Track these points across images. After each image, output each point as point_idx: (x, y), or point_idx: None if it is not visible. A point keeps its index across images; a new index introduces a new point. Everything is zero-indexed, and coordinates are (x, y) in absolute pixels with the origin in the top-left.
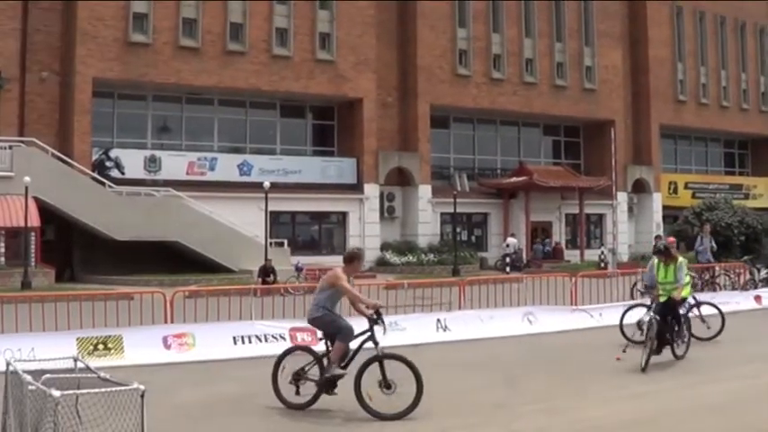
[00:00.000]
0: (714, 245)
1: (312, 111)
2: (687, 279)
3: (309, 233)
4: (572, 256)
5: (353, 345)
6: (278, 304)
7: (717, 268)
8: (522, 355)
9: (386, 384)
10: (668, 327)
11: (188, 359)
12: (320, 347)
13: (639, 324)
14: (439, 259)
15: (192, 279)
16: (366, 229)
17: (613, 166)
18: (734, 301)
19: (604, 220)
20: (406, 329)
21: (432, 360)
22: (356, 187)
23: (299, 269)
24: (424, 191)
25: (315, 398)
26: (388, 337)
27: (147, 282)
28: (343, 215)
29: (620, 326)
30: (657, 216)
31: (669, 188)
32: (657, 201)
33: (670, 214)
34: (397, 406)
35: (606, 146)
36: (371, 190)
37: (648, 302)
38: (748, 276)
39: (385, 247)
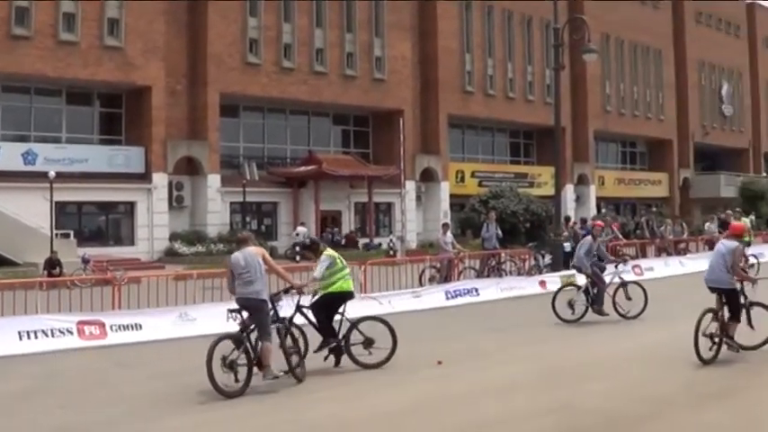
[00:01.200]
0: (500, 232)
1: (99, 98)
2: (343, 272)
3: (96, 224)
4: (361, 244)
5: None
6: (64, 297)
7: (503, 254)
8: (315, 342)
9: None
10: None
11: None
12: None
13: (570, 303)
14: (229, 249)
15: None
16: (154, 218)
17: (402, 156)
18: (519, 287)
19: (393, 209)
20: (196, 320)
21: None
22: (144, 176)
23: (85, 261)
24: (213, 180)
25: (249, 380)
26: (168, 331)
27: None
28: (131, 205)
29: (553, 305)
30: (445, 204)
31: (456, 177)
32: (445, 189)
33: (457, 202)
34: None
35: (395, 135)
36: (160, 179)
37: (580, 283)
38: (533, 262)
39: (174, 237)
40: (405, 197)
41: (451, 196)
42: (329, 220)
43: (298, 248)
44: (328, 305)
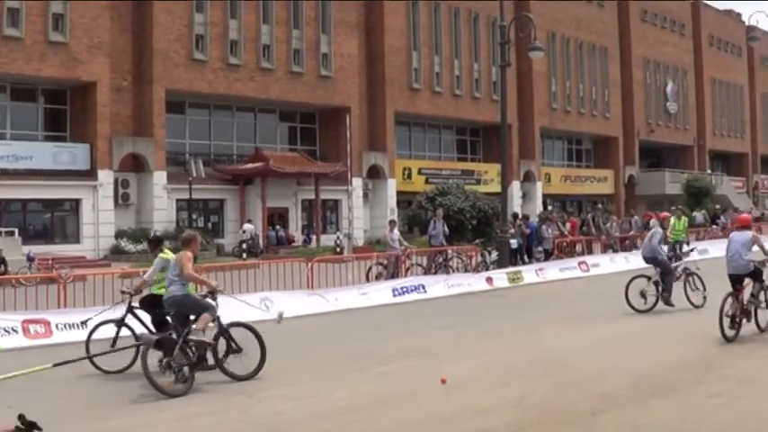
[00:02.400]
0: (447, 229)
1: (44, 94)
2: (161, 275)
3: (41, 222)
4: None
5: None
6: (9, 296)
7: (450, 251)
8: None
9: (235, 349)
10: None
11: None
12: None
13: (642, 293)
14: (175, 246)
15: None
16: (100, 216)
17: (349, 153)
18: (466, 283)
19: (340, 206)
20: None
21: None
22: (90, 174)
23: (30, 259)
24: (160, 177)
25: (192, 379)
26: (115, 329)
27: None
28: (77, 202)
29: (626, 296)
30: (392, 201)
31: (403, 174)
32: (392, 186)
33: (404, 199)
34: (248, 367)
35: (342, 132)
36: (105, 176)
37: (650, 275)
38: (480, 259)
39: (120, 234)
40: (352, 194)
41: (398, 193)
42: (276, 218)
43: (244, 246)
44: (158, 305)
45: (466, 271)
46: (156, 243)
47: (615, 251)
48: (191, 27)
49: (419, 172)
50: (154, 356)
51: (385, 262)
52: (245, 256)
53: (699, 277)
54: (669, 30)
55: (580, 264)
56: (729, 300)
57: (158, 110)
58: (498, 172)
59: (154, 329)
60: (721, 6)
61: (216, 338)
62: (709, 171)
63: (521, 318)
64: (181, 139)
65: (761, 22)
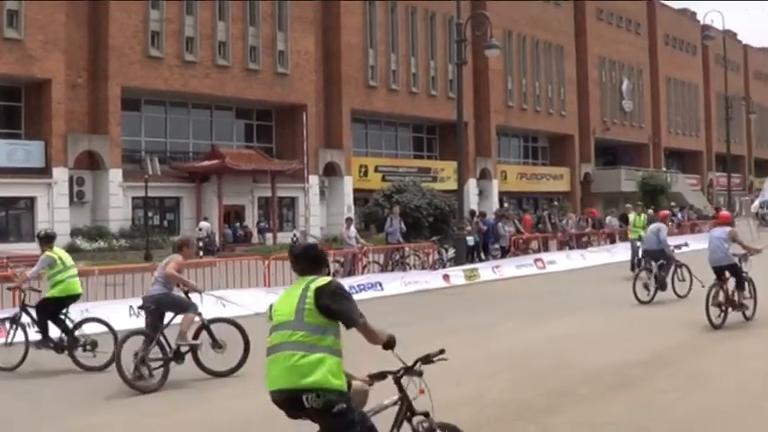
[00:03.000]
0: (403, 226)
1: None
2: (67, 273)
3: None
4: (264, 238)
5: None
6: None
7: (407, 248)
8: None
9: (217, 345)
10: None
11: None
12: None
13: (645, 285)
14: (131, 244)
15: None
16: (55, 214)
17: (305, 150)
18: (423, 280)
19: (297, 203)
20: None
21: (130, 348)
22: (44, 171)
23: None
24: (115, 175)
25: (166, 375)
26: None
27: None
28: (32, 200)
29: (633, 288)
30: (349, 199)
31: (360, 171)
32: (348, 184)
33: (361, 197)
34: (228, 363)
35: (298, 130)
36: (60, 174)
37: (649, 266)
38: (437, 256)
39: (75, 233)
40: (308, 192)
41: (355, 191)
42: (233, 215)
43: (201, 244)
44: (53, 306)
45: (423, 268)
46: (46, 240)
47: (571, 248)
48: (146, 24)
49: (376, 169)
50: (127, 352)
51: (341, 259)
52: (201, 254)
53: (687, 269)
54: (625, 29)
55: (536, 261)
56: (714, 290)
57: (114, 107)
58: (455, 169)
59: (41, 333)
60: (677, 5)
61: (197, 333)
62: (664, 169)
63: (477, 315)
64: (136, 136)
65: (716, 21)
